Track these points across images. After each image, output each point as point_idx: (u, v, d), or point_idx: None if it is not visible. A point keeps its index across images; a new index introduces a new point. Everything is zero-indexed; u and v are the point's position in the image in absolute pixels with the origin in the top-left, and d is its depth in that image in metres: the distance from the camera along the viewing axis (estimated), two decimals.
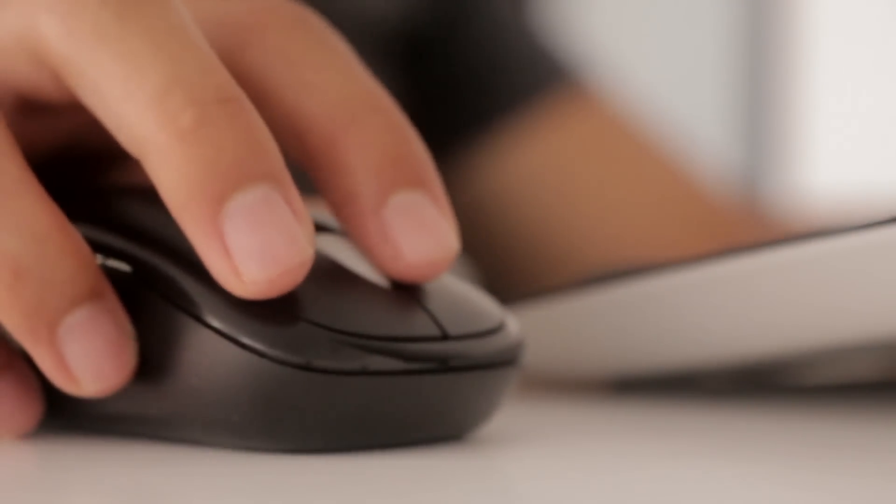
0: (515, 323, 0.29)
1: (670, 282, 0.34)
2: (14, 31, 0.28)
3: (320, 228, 0.28)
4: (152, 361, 0.28)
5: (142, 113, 0.26)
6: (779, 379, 0.41)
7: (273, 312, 0.26)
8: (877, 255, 0.30)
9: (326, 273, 0.28)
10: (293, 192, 0.26)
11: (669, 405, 0.36)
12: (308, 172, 0.29)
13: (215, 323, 0.27)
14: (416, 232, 0.28)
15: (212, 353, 0.27)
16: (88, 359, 0.27)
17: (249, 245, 0.26)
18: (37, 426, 0.29)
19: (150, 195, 0.27)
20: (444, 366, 0.27)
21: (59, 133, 0.30)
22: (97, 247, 0.28)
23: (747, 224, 0.66)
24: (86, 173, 0.32)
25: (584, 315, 0.36)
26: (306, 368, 0.26)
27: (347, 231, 0.28)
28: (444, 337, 0.27)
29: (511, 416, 0.29)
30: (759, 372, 0.40)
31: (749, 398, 0.37)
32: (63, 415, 0.29)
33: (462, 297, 0.29)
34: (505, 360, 0.28)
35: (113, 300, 0.27)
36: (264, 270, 0.26)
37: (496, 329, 0.28)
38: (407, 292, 0.28)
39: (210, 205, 0.26)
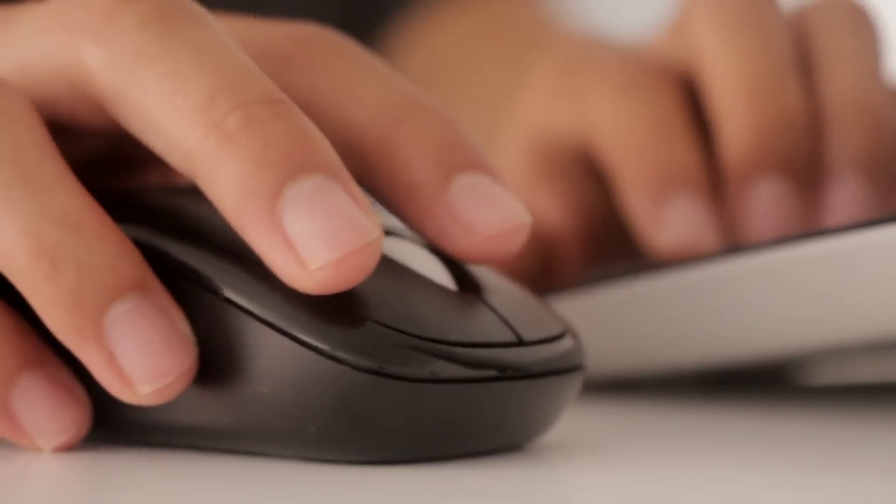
0: (572, 325, 0.29)
1: (670, 282, 0.34)
2: (54, 60, 0.27)
3: (385, 232, 0.26)
4: (216, 367, 0.26)
5: (188, 124, 0.26)
6: (779, 379, 0.41)
7: (341, 313, 0.25)
8: (877, 255, 0.30)
9: (395, 277, 0.27)
10: (351, 183, 0.26)
11: (679, 407, 0.36)
12: (367, 181, 0.28)
13: (282, 324, 0.26)
14: (485, 207, 0.27)
15: (282, 358, 0.26)
16: (140, 356, 0.26)
17: (311, 229, 0.25)
18: (82, 436, 0.28)
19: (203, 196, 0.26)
20: (522, 372, 0.26)
21: (86, 152, 0.30)
22: (146, 249, 0.27)
23: None
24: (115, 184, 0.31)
25: (584, 315, 0.36)
26: (378, 374, 0.25)
27: (414, 224, 0.28)
28: (520, 342, 0.27)
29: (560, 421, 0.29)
30: (761, 371, 0.40)
31: (749, 398, 0.37)
32: (116, 426, 0.28)
33: (525, 301, 0.28)
34: (576, 365, 0.28)
35: (164, 296, 0.26)
36: (330, 252, 0.25)
37: (563, 333, 0.28)
38: (475, 296, 0.27)
39: (266, 200, 0.25)
